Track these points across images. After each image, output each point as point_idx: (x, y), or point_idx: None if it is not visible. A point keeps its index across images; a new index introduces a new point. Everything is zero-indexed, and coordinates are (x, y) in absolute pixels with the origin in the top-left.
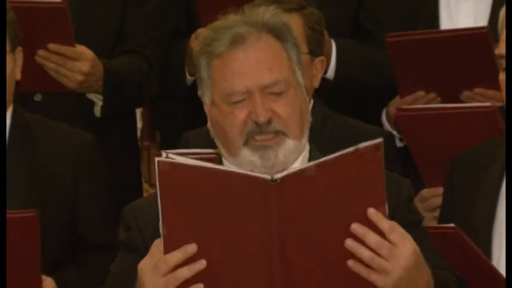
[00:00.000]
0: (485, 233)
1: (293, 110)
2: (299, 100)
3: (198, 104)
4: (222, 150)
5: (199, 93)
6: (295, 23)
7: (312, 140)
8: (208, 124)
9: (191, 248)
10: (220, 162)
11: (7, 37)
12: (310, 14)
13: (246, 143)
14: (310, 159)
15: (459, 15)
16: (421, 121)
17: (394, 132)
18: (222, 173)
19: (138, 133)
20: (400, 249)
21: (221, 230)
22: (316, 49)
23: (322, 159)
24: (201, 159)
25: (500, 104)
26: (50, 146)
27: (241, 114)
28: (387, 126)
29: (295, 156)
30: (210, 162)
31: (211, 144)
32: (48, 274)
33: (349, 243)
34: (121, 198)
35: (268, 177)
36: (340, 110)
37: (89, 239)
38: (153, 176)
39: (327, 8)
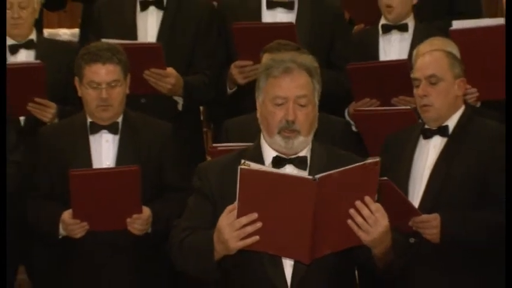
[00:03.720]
0: (404, 184)
1: (307, 119)
2: (313, 114)
3: (232, 106)
4: (263, 131)
5: (256, 94)
6: (315, 65)
7: None
8: (258, 114)
9: (254, 216)
10: (257, 146)
11: (121, 68)
12: (303, 53)
13: (279, 132)
14: (312, 150)
15: (391, 52)
16: (368, 117)
17: (351, 123)
18: (281, 175)
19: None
20: (380, 222)
21: (274, 207)
22: None
23: (343, 169)
24: (240, 147)
25: (414, 106)
26: (146, 131)
27: (279, 114)
28: (348, 118)
29: (303, 146)
30: (246, 148)
31: (241, 130)
32: (145, 205)
33: (352, 211)
34: (191, 161)
35: (311, 177)
36: (320, 109)
37: (169, 184)
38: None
39: (312, 49)
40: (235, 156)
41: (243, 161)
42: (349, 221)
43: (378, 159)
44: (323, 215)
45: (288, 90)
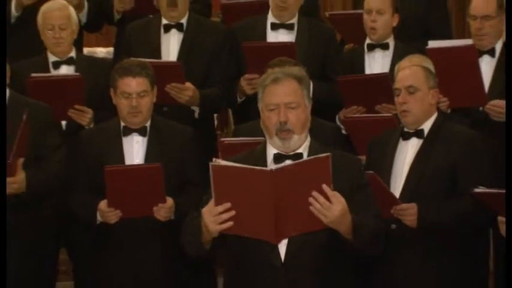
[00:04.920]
0: (387, 178)
1: (298, 119)
2: (304, 114)
3: (242, 113)
4: (266, 134)
5: (258, 104)
6: (304, 74)
7: None
8: (261, 121)
9: (227, 205)
10: (263, 146)
11: (148, 80)
12: (301, 68)
13: (276, 134)
14: (310, 147)
15: (375, 67)
16: (356, 123)
17: (342, 127)
18: (243, 168)
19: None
20: (335, 206)
21: (243, 196)
22: None
23: (297, 161)
24: (251, 143)
25: (395, 112)
26: (169, 134)
27: (274, 118)
28: (338, 123)
29: (299, 144)
30: (257, 145)
31: (249, 134)
32: (169, 196)
33: (310, 199)
34: (207, 159)
35: (268, 169)
36: (315, 115)
37: (189, 179)
38: (222, 157)
39: (309, 64)
40: (245, 155)
41: (214, 159)
42: (311, 207)
43: (328, 154)
44: (284, 202)
45: (278, 97)
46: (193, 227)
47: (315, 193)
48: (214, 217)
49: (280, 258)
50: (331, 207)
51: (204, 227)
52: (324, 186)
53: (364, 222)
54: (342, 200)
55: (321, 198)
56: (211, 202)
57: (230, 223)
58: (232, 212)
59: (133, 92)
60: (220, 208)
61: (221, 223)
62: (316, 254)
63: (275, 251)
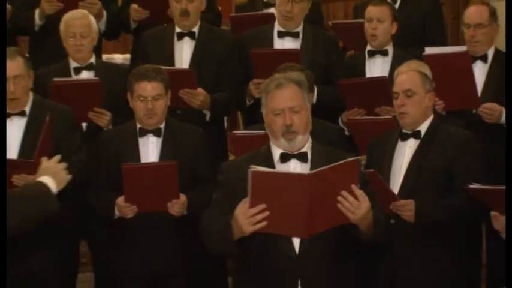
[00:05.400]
0: (387, 176)
1: (302, 121)
2: (306, 116)
3: (250, 114)
4: (270, 136)
5: (261, 108)
6: (303, 78)
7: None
8: (265, 124)
9: (262, 206)
10: (267, 147)
11: (163, 85)
12: (307, 73)
13: (282, 136)
14: (312, 147)
15: (375, 72)
16: (359, 124)
17: (344, 128)
18: (282, 173)
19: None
20: (362, 204)
21: (278, 198)
22: (309, 89)
23: (331, 165)
24: (259, 135)
25: (393, 114)
26: (182, 135)
27: (280, 121)
28: (341, 125)
29: (303, 143)
30: (263, 138)
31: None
32: (182, 192)
33: (340, 198)
34: (217, 159)
35: (305, 173)
36: (319, 116)
37: (201, 176)
38: (231, 149)
39: (313, 69)
40: (250, 156)
41: (252, 166)
42: (339, 205)
43: (358, 157)
44: (316, 201)
45: (282, 102)
46: (221, 227)
47: (344, 193)
48: (249, 219)
49: (295, 250)
50: (359, 206)
51: (237, 227)
52: (353, 186)
53: (379, 217)
54: (367, 199)
55: (350, 198)
56: (244, 204)
57: (264, 223)
58: (266, 213)
59: (148, 95)
60: (255, 210)
61: (255, 224)
62: (325, 247)
63: (290, 242)
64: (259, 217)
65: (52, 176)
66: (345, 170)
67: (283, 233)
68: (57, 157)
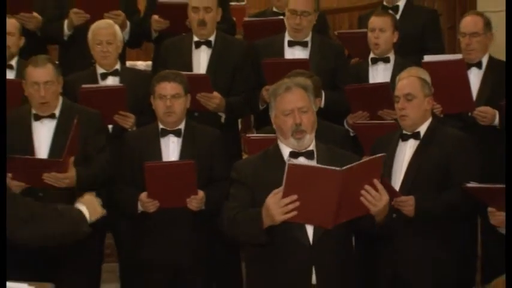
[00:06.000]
0: (388, 173)
1: (309, 121)
2: (313, 117)
3: (263, 118)
4: (279, 136)
5: (270, 112)
6: (309, 83)
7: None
8: (274, 125)
9: (294, 197)
10: (275, 146)
11: (182, 86)
12: (315, 79)
13: (292, 135)
14: (316, 146)
15: (377, 78)
16: (364, 127)
17: (350, 130)
18: (316, 168)
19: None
20: (383, 198)
21: (310, 190)
22: (317, 94)
23: (360, 162)
24: (270, 138)
25: (395, 117)
26: (200, 136)
27: (289, 121)
28: (346, 126)
29: (310, 142)
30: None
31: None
32: (200, 189)
33: (363, 192)
34: (232, 158)
35: (338, 169)
36: (326, 118)
37: (217, 174)
38: (245, 149)
39: (320, 76)
40: (261, 155)
41: (288, 158)
42: (362, 198)
43: (383, 154)
44: (344, 194)
45: (292, 103)
46: (250, 216)
47: (367, 186)
48: (282, 208)
49: (309, 239)
50: (381, 199)
51: (268, 216)
52: (375, 180)
53: (389, 207)
54: (386, 192)
55: (373, 191)
56: (277, 194)
57: (294, 212)
58: (297, 203)
59: (168, 94)
60: (287, 200)
61: (286, 213)
62: (335, 237)
63: (303, 231)
64: (291, 206)
65: (88, 206)
66: (371, 166)
67: (310, 223)
68: (93, 193)
